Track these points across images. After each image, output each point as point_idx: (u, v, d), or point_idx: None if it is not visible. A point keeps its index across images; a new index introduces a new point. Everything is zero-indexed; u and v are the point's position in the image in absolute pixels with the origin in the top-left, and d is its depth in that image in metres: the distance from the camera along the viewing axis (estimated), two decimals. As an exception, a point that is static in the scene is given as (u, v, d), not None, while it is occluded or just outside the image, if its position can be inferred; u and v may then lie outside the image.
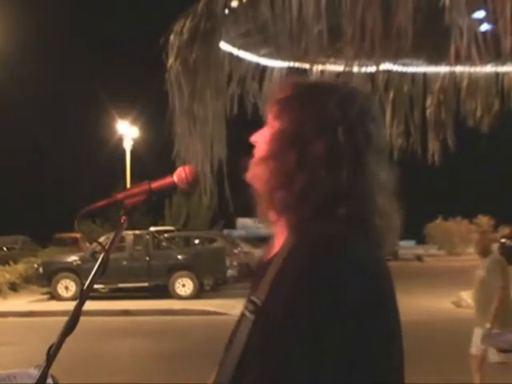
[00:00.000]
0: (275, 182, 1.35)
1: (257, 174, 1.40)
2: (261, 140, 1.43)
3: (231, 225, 35.56)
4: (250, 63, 9.53)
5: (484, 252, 6.62)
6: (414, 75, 10.06)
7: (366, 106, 1.40)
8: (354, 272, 1.24)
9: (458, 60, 7.75)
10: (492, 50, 7.71)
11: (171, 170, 1.59)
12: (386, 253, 1.40)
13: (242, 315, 1.36)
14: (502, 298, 6.34)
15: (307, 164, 1.33)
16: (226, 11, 8.52)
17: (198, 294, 18.00)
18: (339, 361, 1.20)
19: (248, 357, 1.28)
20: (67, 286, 18.22)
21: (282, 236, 1.39)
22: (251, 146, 1.48)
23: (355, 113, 1.36)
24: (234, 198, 6.21)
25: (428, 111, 10.26)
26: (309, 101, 1.39)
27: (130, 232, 18.32)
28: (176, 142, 9.57)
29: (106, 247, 1.50)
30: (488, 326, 6.28)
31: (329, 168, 1.32)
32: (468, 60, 8.00)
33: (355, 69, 8.43)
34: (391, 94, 9.91)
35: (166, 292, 17.96)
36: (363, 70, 8.81)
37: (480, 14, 7.98)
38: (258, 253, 17.36)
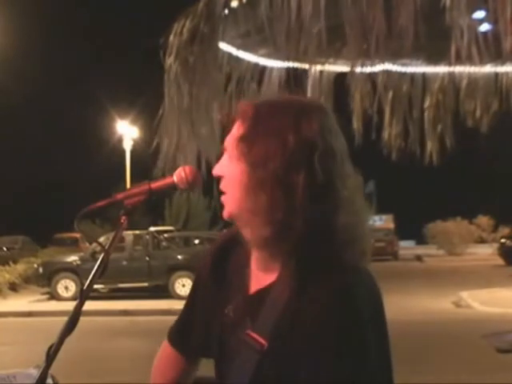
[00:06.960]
0: (261, 220, 1.37)
1: (239, 211, 1.46)
2: (231, 178, 1.42)
3: (231, 225, 35.51)
4: (249, 63, 9.55)
5: None
6: (413, 75, 10.06)
7: (324, 122, 1.36)
8: (365, 305, 1.30)
9: (459, 60, 7.77)
10: (492, 50, 7.73)
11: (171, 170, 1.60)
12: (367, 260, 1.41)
13: (241, 349, 1.37)
14: None
15: (295, 201, 1.31)
16: (226, 11, 8.53)
17: (197, 294, 17.96)
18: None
19: None
20: (67, 286, 18.22)
21: (270, 267, 1.41)
22: None
23: (317, 135, 1.32)
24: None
25: (427, 111, 10.24)
26: (271, 135, 1.34)
27: (130, 232, 18.30)
28: (170, 142, 9.52)
29: (106, 247, 1.50)
30: None
31: (312, 198, 1.31)
32: (468, 60, 8.02)
33: (355, 69, 8.43)
34: (390, 94, 9.91)
35: (165, 292, 17.93)
36: (363, 70, 8.82)
37: (480, 15, 7.99)
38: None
